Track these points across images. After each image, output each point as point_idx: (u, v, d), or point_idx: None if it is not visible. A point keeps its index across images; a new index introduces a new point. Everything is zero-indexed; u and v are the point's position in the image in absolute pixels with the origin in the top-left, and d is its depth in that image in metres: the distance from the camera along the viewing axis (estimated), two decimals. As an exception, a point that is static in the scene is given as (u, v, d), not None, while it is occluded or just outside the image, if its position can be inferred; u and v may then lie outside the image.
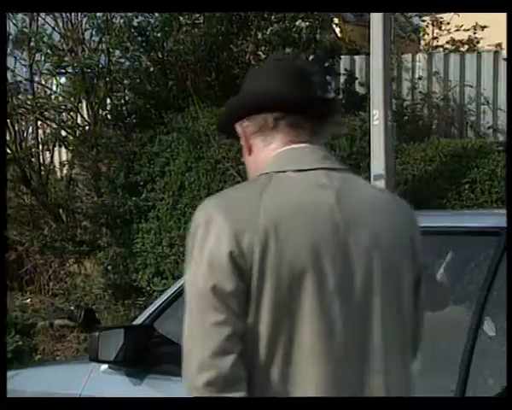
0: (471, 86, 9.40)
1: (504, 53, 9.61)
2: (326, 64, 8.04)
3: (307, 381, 1.89)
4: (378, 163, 6.52)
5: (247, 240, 1.84)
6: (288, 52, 7.35)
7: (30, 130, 8.29)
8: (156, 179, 7.37)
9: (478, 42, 10.76)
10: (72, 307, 7.66)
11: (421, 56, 9.73)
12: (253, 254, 1.84)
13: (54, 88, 8.29)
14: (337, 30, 10.64)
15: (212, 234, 1.86)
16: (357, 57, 9.37)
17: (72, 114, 8.18)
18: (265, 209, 1.88)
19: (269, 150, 2.02)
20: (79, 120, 8.13)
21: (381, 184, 6.48)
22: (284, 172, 1.97)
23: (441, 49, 10.47)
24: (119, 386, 3.58)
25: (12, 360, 6.53)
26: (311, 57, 7.86)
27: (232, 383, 1.84)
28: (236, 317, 1.85)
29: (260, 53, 7.76)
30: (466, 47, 10.60)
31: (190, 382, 1.86)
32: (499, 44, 10.67)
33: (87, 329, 7.45)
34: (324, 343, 1.91)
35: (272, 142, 2.02)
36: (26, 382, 4.01)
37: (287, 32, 7.65)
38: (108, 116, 7.93)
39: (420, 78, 9.30)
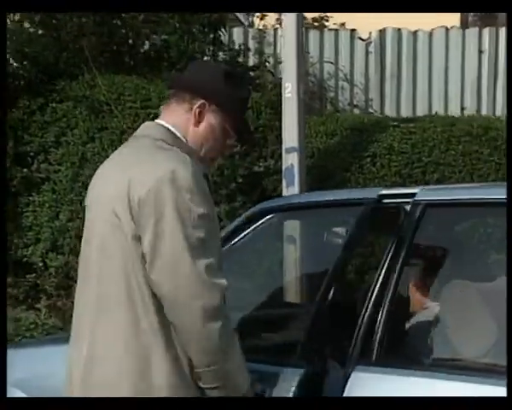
0: (332, 63, 9.69)
1: (359, 32, 10.03)
2: (211, 36, 7.98)
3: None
4: (290, 136, 6.59)
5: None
6: None
7: None
8: (50, 150, 6.98)
9: (327, 20, 11.15)
10: None
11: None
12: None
13: None
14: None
15: None
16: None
17: None
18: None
19: None
20: None
21: (294, 157, 6.58)
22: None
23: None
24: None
25: None
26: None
27: None
28: None
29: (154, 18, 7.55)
30: (316, 24, 10.95)
31: None
32: (343, 24, 11.14)
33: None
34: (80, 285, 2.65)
35: None
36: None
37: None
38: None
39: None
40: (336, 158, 6.96)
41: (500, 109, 9.58)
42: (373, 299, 3.03)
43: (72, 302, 7.27)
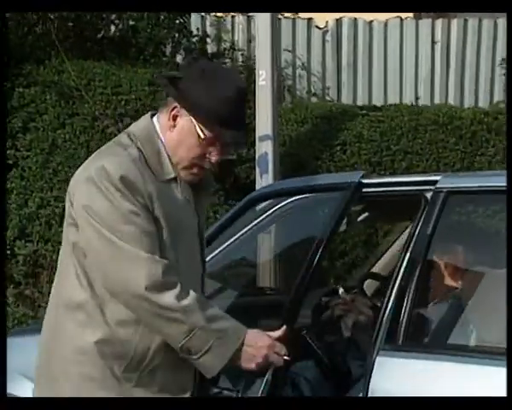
0: (289, 51, 9.71)
1: (317, 21, 10.07)
2: (177, 21, 7.92)
3: None
4: (264, 124, 6.59)
5: None
6: None
7: None
8: (18, 136, 6.82)
9: (285, 8, 11.11)
10: None
11: (241, 19, 9.85)
12: None
13: None
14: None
15: None
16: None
17: None
18: None
19: None
20: None
21: (268, 145, 6.57)
22: None
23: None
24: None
25: None
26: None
27: None
28: None
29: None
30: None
31: None
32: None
33: None
34: None
35: None
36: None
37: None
38: None
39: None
40: (308, 146, 6.99)
41: (452, 99, 9.77)
42: (397, 285, 3.07)
43: (40, 291, 7.08)
